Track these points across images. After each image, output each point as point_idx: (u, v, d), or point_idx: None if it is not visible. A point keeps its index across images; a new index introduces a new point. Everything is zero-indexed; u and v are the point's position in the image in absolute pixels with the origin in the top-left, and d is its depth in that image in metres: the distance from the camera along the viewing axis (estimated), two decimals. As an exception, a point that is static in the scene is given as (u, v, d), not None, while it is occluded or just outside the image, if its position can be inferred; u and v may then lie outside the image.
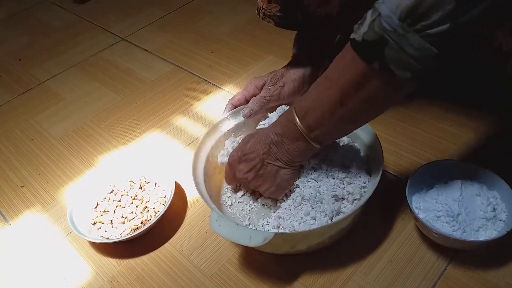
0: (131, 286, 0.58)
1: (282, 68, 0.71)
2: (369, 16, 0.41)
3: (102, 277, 0.59)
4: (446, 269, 0.54)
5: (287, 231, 0.55)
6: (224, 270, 0.58)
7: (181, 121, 0.82)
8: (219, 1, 1.18)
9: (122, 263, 0.60)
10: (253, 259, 0.58)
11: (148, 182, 0.69)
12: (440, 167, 0.60)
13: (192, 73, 0.94)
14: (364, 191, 0.57)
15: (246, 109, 0.66)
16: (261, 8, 0.66)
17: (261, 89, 0.69)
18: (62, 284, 0.59)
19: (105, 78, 0.97)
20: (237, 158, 0.58)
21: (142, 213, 0.64)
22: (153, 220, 0.62)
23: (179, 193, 0.68)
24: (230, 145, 0.66)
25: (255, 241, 0.50)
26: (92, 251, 0.62)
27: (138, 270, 0.59)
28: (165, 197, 0.66)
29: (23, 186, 0.74)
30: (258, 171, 0.56)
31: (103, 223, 0.64)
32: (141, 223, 0.63)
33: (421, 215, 0.56)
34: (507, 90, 0.74)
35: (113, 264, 0.61)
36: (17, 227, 0.68)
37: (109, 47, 1.08)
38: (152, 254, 0.61)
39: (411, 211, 0.56)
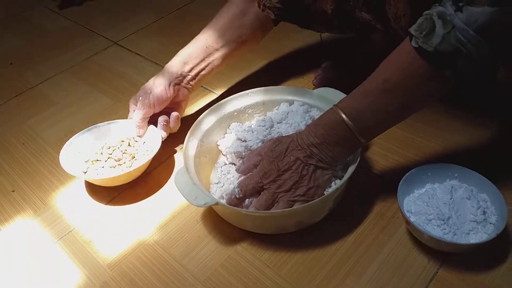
0: (123, 291, 0.57)
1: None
2: (439, 27, 0.46)
3: (94, 282, 0.59)
4: (437, 272, 0.55)
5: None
6: (217, 275, 0.57)
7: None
8: (212, 5, 1.19)
9: (114, 268, 0.60)
10: (247, 263, 0.58)
11: (137, 141, 0.74)
12: (431, 171, 0.61)
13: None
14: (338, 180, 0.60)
15: (136, 129, 0.72)
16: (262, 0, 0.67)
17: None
18: (53, 290, 0.59)
19: (97, 82, 0.97)
20: (275, 170, 0.58)
21: (131, 160, 0.71)
22: (143, 161, 0.68)
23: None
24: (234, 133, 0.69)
25: (197, 202, 0.55)
26: (84, 255, 0.62)
27: (130, 275, 0.59)
28: (152, 150, 0.71)
29: (13, 191, 0.74)
30: (301, 172, 0.57)
31: (96, 169, 0.69)
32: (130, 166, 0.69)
33: (412, 219, 0.56)
34: (496, 94, 0.75)
35: (105, 269, 0.60)
36: (7, 232, 0.67)
37: (102, 51, 1.08)
38: (144, 258, 0.61)
39: (402, 215, 0.56)
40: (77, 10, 1.28)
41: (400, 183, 0.58)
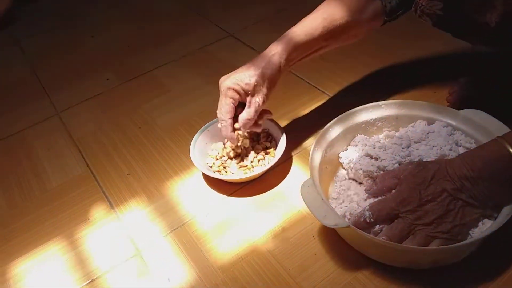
0: (234, 299, 0.55)
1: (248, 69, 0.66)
2: None
3: (205, 283, 0.57)
4: None
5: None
6: (336, 299, 0.53)
7: (288, 127, 0.79)
8: None
9: (226, 272, 0.58)
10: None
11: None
12: None
13: (300, 78, 0.90)
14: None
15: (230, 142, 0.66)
16: (420, 5, 0.61)
17: (227, 92, 0.64)
18: (165, 284, 0.58)
19: (210, 74, 0.96)
20: (417, 199, 0.52)
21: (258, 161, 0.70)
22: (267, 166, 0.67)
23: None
24: (361, 146, 0.64)
25: (326, 221, 0.52)
26: (194, 252, 0.61)
27: (242, 282, 0.57)
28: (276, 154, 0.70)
29: (129, 174, 0.75)
30: (447, 206, 0.51)
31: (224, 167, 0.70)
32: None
33: None
34: None
35: (216, 271, 0.58)
36: (122, 217, 0.68)
37: (216, 42, 1.07)
38: (256, 266, 0.58)
39: None
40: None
41: None
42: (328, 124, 0.65)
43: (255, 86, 0.64)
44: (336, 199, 0.62)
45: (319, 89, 0.87)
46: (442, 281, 0.53)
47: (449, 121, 0.62)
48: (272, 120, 0.73)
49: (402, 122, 0.66)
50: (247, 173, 0.68)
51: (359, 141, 0.66)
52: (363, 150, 0.63)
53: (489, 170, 0.49)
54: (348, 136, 0.67)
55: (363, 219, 0.54)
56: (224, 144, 0.74)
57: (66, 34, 1.21)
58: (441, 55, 0.90)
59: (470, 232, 0.52)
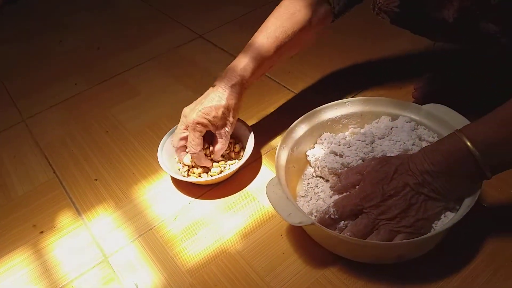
0: (202, 302, 0.55)
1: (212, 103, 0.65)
2: None
3: (173, 287, 0.57)
4: None
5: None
6: (303, 298, 0.53)
7: (257, 127, 0.78)
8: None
9: (195, 275, 0.57)
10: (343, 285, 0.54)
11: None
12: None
13: (270, 78, 0.90)
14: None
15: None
16: (377, 3, 0.61)
17: (196, 127, 0.64)
18: (132, 289, 0.57)
19: (181, 75, 0.95)
20: (380, 194, 0.52)
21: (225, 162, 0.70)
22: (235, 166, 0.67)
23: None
24: (326, 144, 0.64)
25: (291, 219, 0.51)
26: (162, 257, 0.60)
27: (210, 284, 0.56)
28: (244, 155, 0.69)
29: (96, 180, 0.74)
30: (410, 200, 0.51)
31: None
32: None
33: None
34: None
35: (185, 274, 0.58)
36: (89, 223, 0.67)
37: (186, 43, 1.07)
38: (225, 268, 0.58)
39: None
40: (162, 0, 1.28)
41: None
42: (294, 123, 0.65)
43: (221, 117, 0.65)
44: (304, 196, 0.62)
45: (287, 88, 0.87)
46: (409, 275, 0.53)
47: (412, 116, 0.63)
48: (240, 120, 0.73)
49: (367, 118, 0.66)
50: (214, 175, 0.68)
51: (325, 139, 0.66)
52: (328, 147, 0.63)
53: (448, 164, 0.50)
54: (315, 134, 0.67)
55: (328, 216, 0.54)
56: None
57: (33, 40, 1.19)
58: (406, 52, 0.91)
59: (433, 225, 0.53)
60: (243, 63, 0.66)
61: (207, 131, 0.66)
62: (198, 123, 0.64)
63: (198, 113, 0.64)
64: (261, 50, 0.66)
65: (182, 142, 0.68)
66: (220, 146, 0.67)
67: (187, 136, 0.66)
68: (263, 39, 0.67)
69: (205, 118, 0.64)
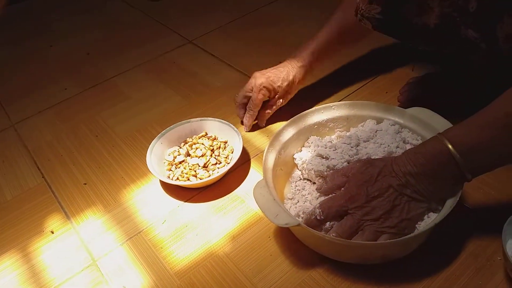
0: (190, 304, 0.55)
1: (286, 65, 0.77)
2: None
3: (161, 290, 0.57)
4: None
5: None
6: (290, 299, 0.54)
7: (248, 134, 0.79)
8: (291, 9, 1.15)
9: (183, 277, 0.58)
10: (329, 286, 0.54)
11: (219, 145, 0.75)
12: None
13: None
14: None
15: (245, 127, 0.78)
16: (360, 9, 0.63)
17: (261, 89, 0.74)
18: (120, 292, 0.58)
19: (170, 80, 0.96)
20: (364, 195, 0.53)
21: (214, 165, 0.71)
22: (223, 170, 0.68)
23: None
24: (313, 147, 0.66)
25: (278, 221, 0.52)
26: (151, 260, 0.61)
27: (198, 286, 0.57)
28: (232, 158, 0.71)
29: (85, 184, 0.74)
30: (393, 202, 0.52)
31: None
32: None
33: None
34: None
35: (173, 277, 0.58)
36: (77, 227, 0.67)
37: (176, 48, 1.07)
38: (213, 270, 0.58)
39: (506, 260, 0.50)
40: (153, 6, 1.29)
41: (506, 224, 0.52)
42: (282, 126, 0.66)
43: (284, 90, 0.76)
44: (291, 199, 0.63)
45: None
46: (394, 275, 0.54)
47: (397, 120, 0.65)
48: (228, 123, 0.74)
49: (353, 122, 0.68)
50: (202, 178, 0.68)
51: (312, 142, 0.67)
52: (315, 150, 0.64)
53: (430, 166, 0.51)
54: (302, 137, 0.68)
55: (314, 217, 0.55)
56: (179, 147, 0.74)
57: (23, 44, 1.19)
58: (392, 57, 0.93)
59: (416, 225, 0.54)
60: (311, 48, 0.76)
61: None
62: (264, 87, 0.74)
63: (267, 79, 0.74)
64: (328, 38, 0.76)
65: (245, 100, 0.77)
66: (269, 111, 0.77)
67: (250, 97, 0.76)
68: (328, 28, 0.76)
69: (271, 85, 0.74)
